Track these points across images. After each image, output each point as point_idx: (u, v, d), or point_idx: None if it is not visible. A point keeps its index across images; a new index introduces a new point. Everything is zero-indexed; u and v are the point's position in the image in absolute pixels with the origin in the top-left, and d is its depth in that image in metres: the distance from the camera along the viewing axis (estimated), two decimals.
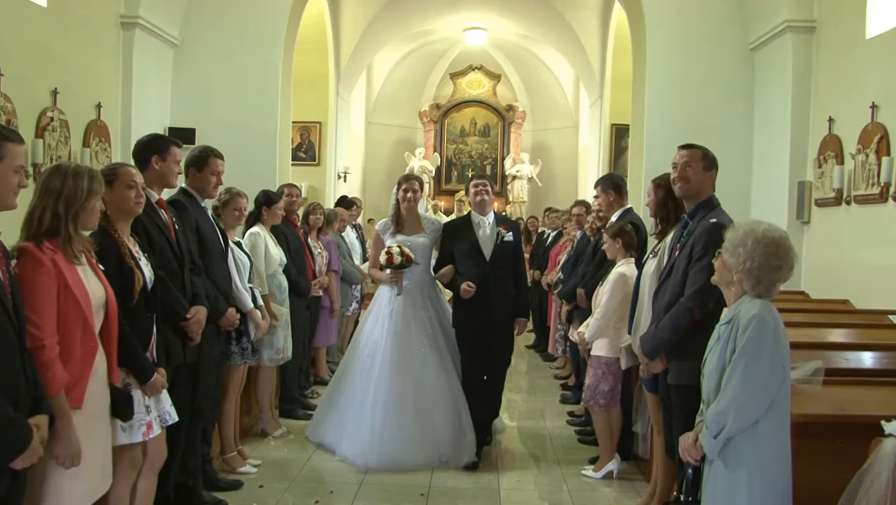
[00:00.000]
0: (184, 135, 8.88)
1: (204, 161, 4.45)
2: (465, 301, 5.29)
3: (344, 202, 8.99)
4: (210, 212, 4.58)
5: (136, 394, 3.12)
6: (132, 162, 3.85)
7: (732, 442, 2.70)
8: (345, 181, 14.54)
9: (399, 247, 5.34)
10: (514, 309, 5.46)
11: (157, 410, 3.27)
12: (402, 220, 5.59)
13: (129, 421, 3.05)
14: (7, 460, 2.35)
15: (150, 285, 3.28)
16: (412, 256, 5.34)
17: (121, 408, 2.97)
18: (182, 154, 4.09)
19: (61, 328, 2.69)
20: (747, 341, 2.71)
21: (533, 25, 14.92)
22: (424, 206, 16.94)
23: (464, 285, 5.23)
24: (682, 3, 8.94)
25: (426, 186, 17.10)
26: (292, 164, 10.80)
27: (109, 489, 3.02)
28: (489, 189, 5.55)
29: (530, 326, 9.59)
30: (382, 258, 5.36)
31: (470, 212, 5.58)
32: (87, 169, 2.94)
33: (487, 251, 5.36)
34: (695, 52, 8.90)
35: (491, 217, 5.52)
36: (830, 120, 7.44)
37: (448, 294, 6.26)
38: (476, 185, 5.53)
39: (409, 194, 5.56)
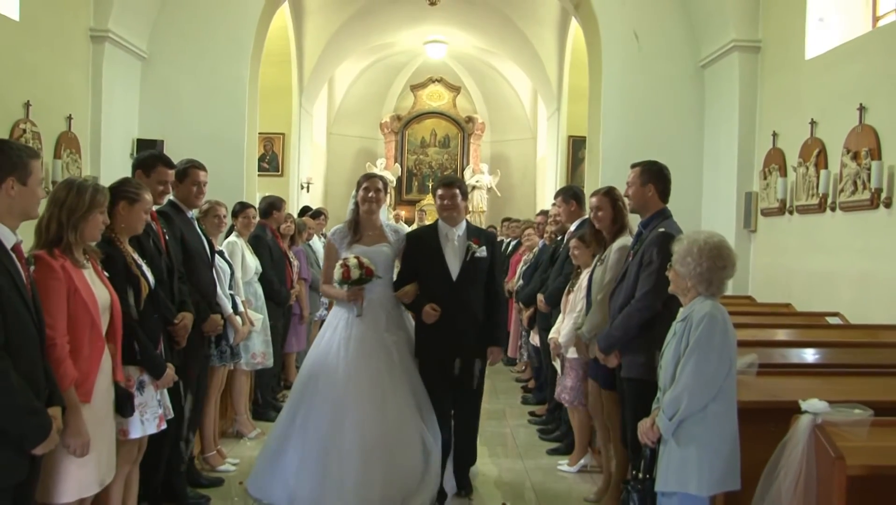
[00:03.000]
0: (151, 146, 9.03)
1: (185, 173, 4.66)
2: (428, 326, 4.60)
3: (311, 212, 9.20)
4: (196, 222, 4.79)
5: (150, 389, 3.35)
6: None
7: (684, 424, 3.04)
8: (307, 191, 14.74)
9: (357, 258, 4.50)
10: (485, 335, 4.72)
11: (163, 406, 3.51)
12: (361, 228, 4.74)
13: (128, 417, 3.27)
14: (31, 446, 2.57)
15: (153, 289, 3.52)
16: (373, 269, 4.52)
17: (123, 405, 3.20)
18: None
19: (71, 328, 2.91)
20: (699, 336, 3.07)
21: (492, 39, 15.33)
22: (386, 215, 17.02)
23: (427, 308, 4.56)
24: (636, 21, 9.34)
25: (390, 190, 17.32)
26: (257, 175, 10.97)
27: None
28: (458, 198, 4.70)
29: None
30: (337, 272, 4.52)
31: (437, 220, 4.81)
32: (93, 184, 3.18)
33: (455, 268, 4.62)
34: (648, 68, 9.32)
35: (462, 228, 4.73)
36: (774, 134, 7.91)
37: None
38: (442, 196, 4.71)
39: (370, 194, 4.71)
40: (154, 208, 4.09)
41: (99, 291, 3.09)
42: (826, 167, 6.84)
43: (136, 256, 3.58)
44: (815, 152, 6.99)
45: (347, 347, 4.57)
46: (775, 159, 7.83)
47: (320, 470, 4.35)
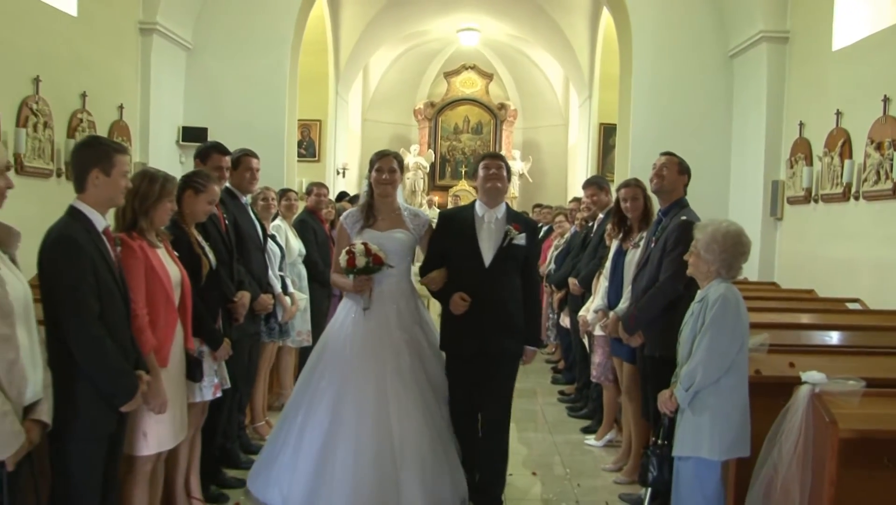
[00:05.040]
0: (196, 134, 9.48)
1: (238, 161, 5.02)
2: (454, 318, 4.13)
3: (348, 198, 9.55)
4: (249, 207, 5.15)
5: (207, 360, 3.73)
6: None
7: (700, 395, 3.35)
8: (343, 177, 15.13)
9: (364, 245, 4.08)
10: (518, 333, 4.23)
11: (219, 376, 3.89)
12: (375, 211, 4.29)
13: (198, 382, 3.66)
14: (121, 404, 2.96)
15: (214, 268, 3.89)
16: (382, 256, 4.09)
17: (193, 371, 3.58)
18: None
19: (149, 301, 3.30)
20: (714, 316, 3.38)
21: (524, 27, 15.53)
22: (419, 197, 17.37)
23: (455, 297, 4.08)
24: (666, 11, 9.55)
25: (420, 177, 17.56)
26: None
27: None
28: (504, 170, 4.27)
29: None
30: (342, 259, 4.10)
31: (475, 201, 4.35)
32: (163, 174, 3.55)
33: (488, 255, 4.15)
34: (678, 58, 9.52)
35: (501, 211, 4.26)
36: (801, 124, 8.08)
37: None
38: (488, 166, 4.25)
39: (384, 175, 4.24)
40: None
41: (171, 268, 3.47)
42: (850, 157, 7.01)
43: (199, 238, 3.95)
44: (841, 142, 7.16)
45: (352, 342, 4.15)
46: (801, 149, 8.01)
47: (313, 482, 3.96)
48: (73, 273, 2.84)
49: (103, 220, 3.05)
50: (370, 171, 4.32)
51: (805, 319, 5.55)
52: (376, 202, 4.30)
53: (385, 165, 4.26)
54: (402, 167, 4.41)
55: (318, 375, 4.18)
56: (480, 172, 4.27)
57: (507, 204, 4.37)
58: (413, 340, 4.23)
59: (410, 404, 4.06)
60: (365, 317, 4.17)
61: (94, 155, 3.04)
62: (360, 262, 4.05)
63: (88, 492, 2.91)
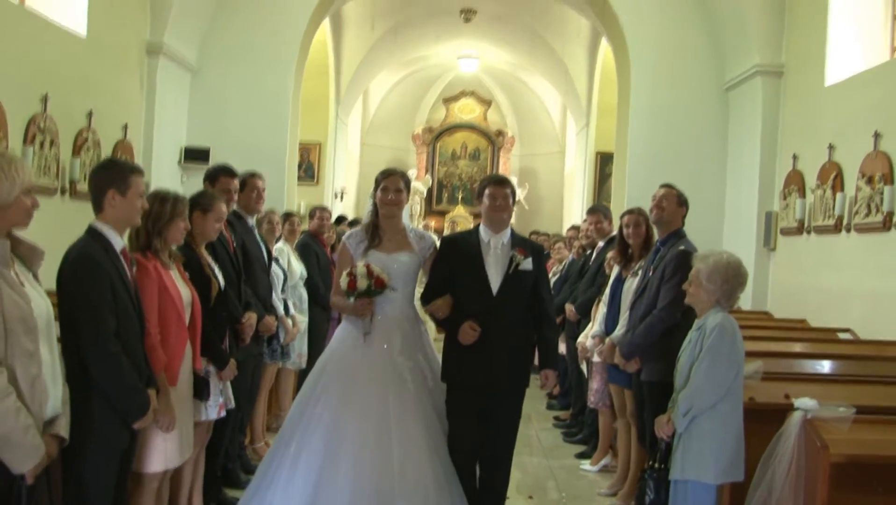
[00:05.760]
0: (199, 154, 9.59)
1: (244, 182, 5.13)
2: (460, 348, 3.94)
3: (347, 221, 9.64)
4: (255, 230, 5.24)
5: (214, 379, 3.81)
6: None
7: (696, 420, 3.45)
8: (341, 200, 15.25)
9: (367, 266, 3.91)
10: (527, 363, 4.14)
11: (224, 396, 3.97)
12: (381, 232, 4.12)
13: (205, 401, 3.74)
14: (133, 420, 3.04)
15: (223, 290, 3.98)
16: (385, 279, 3.91)
17: (200, 390, 3.66)
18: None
19: (161, 320, 3.38)
20: (711, 343, 3.50)
21: (523, 55, 15.77)
22: (409, 218, 17.16)
23: (465, 326, 3.89)
24: (664, 43, 9.72)
25: (417, 202, 17.63)
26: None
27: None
28: (510, 199, 4.10)
29: None
30: (343, 281, 3.92)
31: (478, 226, 4.18)
32: (174, 195, 3.65)
33: (496, 281, 3.99)
34: (675, 89, 9.68)
35: (506, 236, 4.10)
36: (794, 157, 8.24)
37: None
38: (494, 196, 4.05)
39: (390, 195, 4.09)
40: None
41: (182, 289, 3.56)
42: (842, 190, 7.16)
43: (209, 259, 4.05)
44: (833, 175, 7.32)
45: (351, 372, 3.95)
46: (795, 181, 8.16)
47: None
48: (92, 291, 2.93)
49: (121, 241, 3.15)
50: (375, 190, 4.16)
51: (798, 347, 5.66)
52: (382, 223, 4.13)
53: (391, 185, 4.11)
54: (409, 187, 4.26)
55: (313, 402, 3.97)
56: (486, 201, 4.07)
57: (511, 228, 4.21)
58: (416, 367, 4.02)
59: (414, 434, 3.84)
60: (365, 342, 3.98)
61: (109, 176, 3.15)
62: (362, 284, 3.87)
63: None
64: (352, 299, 3.95)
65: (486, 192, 4.08)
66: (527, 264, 4.02)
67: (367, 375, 3.92)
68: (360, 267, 3.91)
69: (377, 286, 3.89)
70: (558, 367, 7.92)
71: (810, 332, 6.62)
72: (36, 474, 2.53)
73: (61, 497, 2.90)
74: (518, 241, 4.14)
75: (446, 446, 3.95)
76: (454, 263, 4.07)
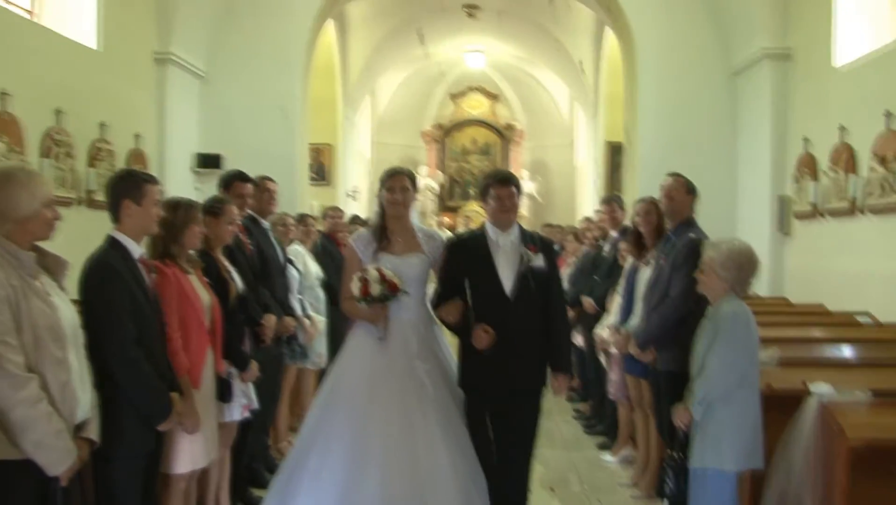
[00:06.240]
0: (211, 160, 9.67)
1: (256, 186, 5.19)
2: (476, 353, 3.79)
3: (360, 221, 9.68)
4: (270, 233, 5.30)
5: (236, 381, 3.87)
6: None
7: (713, 407, 3.46)
8: (354, 200, 15.31)
9: (379, 270, 3.78)
10: (545, 364, 3.99)
11: (247, 397, 4.03)
12: (389, 233, 3.99)
13: (228, 403, 3.80)
14: (157, 423, 3.12)
15: (241, 293, 4.05)
16: (398, 283, 3.79)
17: (223, 392, 3.72)
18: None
19: (182, 325, 3.45)
20: (724, 331, 3.51)
21: (529, 48, 15.79)
22: (417, 217, 17.12)
23: (479, 330, 3.74)
24: (669, 31, 9.71)
25: (430, 199, 17.66)
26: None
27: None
28: (516, 197, 3.96)
29: None
30: (356, 287, 3.78)
31: (485, 224, 4.06)
32: (186, 201, 3.72)
33: (508, 282, 3.86)
34: (682, 77, 9.67)
35: (515, 233, 3.97)
36: (805, 140, 8.19)
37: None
38: (500, 197, 3.90)
39: (396, 195, 3.94)
40: (238, 221, 4.62)
41: (202, 294, 3.62)
42: (855, 171, 7.13)
43: (227, 263, 4.11)
44: (845, 157, 7.28)
45: (369, 375, 3.84)
46: (807, 164, 8.12)
47: None
48: (112, 298, 3.01)
49: (139, 249, 3.21)
50: (381, 190, 4.01)
51: (816, 333, 5.64)
52: (389, 223, 3.99)
53: (396, 184, 3.95)
54: (416, 185, 4.08)
55: (331, 412, 3.84)
56: (492, 203, 3.92)
57: (518, 224, 4.04)
58: (433, 370, 3.89)
59: (438, 439, 3.71)
60: (381, 347, 3.86)
61: (125, 186, 3.22)
62: (375, 289, 3.74)
63: None
64: (363, 304, 3.82)
65: (491, 192, 3.94)
66: (538, 261, 3.90)
67: (387, 384, 3.80)
68: (372, 271, 3.78)
69: (391, 290, 3.77)
70: (576, 359, 8.05)
71: (829, 316, 6.59)
72: (70, 476, 2.61)
73: (93, 498, 2.98)
74: (527, 237, 4.00)
75: (470, 447, 3.82)
76: (464, 265, 3.92)
